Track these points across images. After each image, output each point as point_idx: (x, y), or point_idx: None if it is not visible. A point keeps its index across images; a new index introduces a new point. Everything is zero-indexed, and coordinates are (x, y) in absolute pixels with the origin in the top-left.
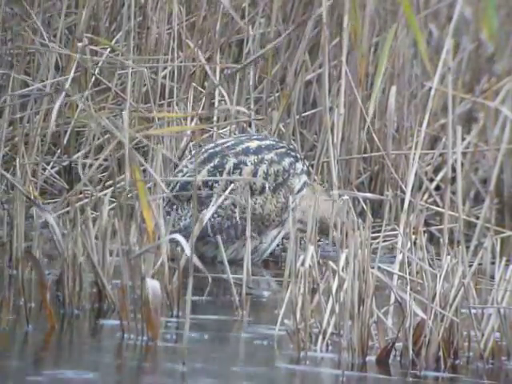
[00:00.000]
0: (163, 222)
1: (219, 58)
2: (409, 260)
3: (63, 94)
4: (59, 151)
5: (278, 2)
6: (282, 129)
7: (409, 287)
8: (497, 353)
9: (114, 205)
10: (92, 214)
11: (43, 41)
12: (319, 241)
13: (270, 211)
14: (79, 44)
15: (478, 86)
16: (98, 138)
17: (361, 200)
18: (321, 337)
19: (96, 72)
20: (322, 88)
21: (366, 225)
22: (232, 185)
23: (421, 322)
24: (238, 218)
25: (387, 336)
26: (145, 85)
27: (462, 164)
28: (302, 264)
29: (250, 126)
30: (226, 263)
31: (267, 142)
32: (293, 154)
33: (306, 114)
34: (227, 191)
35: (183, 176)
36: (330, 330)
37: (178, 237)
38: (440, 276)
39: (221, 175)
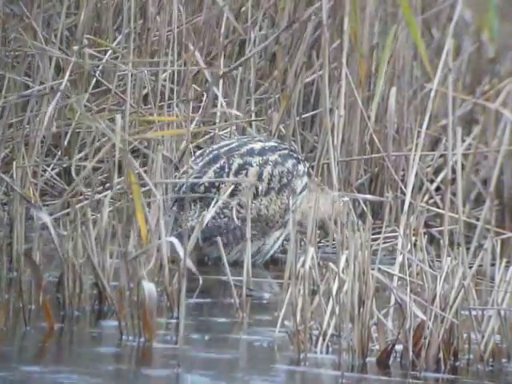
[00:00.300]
0: (164, 223)
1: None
2: (409, 261)
3: (57, 95)
4: (60, 153)
5: (282, 4)
6: (283, 130)
7: (409, 289)
8: (497, 354)
9: (112, 207)
10: (92, 215)
11: (41, 44)
12: (319, 242)
13: (275, 212)
14: (74, 48)
15: (479, 87)
16: (98, 140)
17: (361, 201)
18: (321, 338)
19: (97, 74)
20: (322, 89)
21: (366, 226)
22: (233, 186)
23: (421, 324)
24: (244, 219)
25: (387, 337)
26: (145, 87)
27: (463, 165)
28: (303, 265)
29: (250, 126)
30: (227, 264)
31: (270, 144)
32: (295, 155)
33: (307, 115)
34: (227, 192)
35: (189, 177)
36: (330, 332)
37: (173, 239)
38: (440, 277)
39: (227, 176)
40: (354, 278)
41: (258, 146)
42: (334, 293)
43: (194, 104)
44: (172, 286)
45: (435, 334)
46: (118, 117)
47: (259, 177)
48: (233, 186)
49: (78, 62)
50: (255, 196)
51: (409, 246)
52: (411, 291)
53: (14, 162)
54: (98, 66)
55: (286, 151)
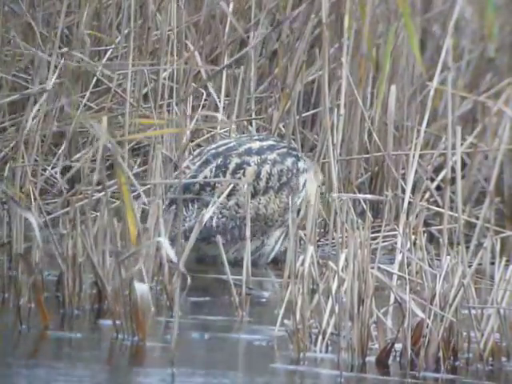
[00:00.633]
0: (162, 223)
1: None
2: (408, 260)
3: (44, 95)
4: (60, 152)
5: (283, 3)
6: (282, 129)
7: (408, 287)
8: (496, 353)
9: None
10: (92, 214)
11: (39, 43)
12: (319, 241)
13: (274, 211)
14: (61, 50)
15: (480, 86)
16: (97, 140)
17: (361, 200)
18: (320, 337)
19: (98, 73)
20: (322, 88)
21: (366, 225)
22: (231, 185)
23: (420, 323)
24: (241, 219)
25: (387, 336)
26: (145, 85)
27: (465, 164)
28: (302, 264)
29: (250, 124)
30: (226, 263)
31: (269, 143)
32: (294, 153)
33: (307, 114)
34: (226, 192)
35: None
36: (329, 331)
37: (163, 241)
38: (440, 276)
39: (224, 175)
40: (353, 277)
41: (256, 145)
42: (333, 291)
43: (194, 103)
44: (171, 284)
45: (435, 332)
46: (105, 119)
47: (257, 176)
48: (231, 186)
49: (65, 65)
50: (253, 195)
51: (408, 245)
52: (411, 290)
53: (8, 164)
54: (97, 67)
55: (285, 149)
